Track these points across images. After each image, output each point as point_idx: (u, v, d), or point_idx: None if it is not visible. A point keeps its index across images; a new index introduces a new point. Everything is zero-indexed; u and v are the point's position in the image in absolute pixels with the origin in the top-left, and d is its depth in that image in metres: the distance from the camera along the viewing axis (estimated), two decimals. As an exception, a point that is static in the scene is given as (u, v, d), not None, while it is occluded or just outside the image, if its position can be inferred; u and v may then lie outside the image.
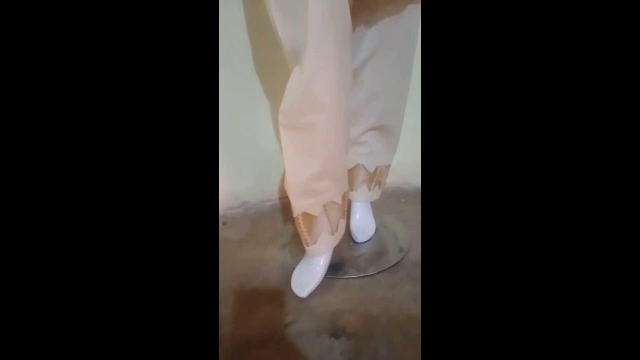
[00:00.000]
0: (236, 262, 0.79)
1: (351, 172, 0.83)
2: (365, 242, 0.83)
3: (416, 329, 0.59)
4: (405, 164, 1.02)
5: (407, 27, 0.70)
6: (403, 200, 1.02)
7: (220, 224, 0.95)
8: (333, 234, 0.69)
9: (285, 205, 1.02)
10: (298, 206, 0.66)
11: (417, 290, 0.68)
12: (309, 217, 0.66)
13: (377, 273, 0.73)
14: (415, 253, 0.79)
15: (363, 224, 0.85)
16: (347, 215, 0.81)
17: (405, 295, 0.66)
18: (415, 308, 0.63)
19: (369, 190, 0.84)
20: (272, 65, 0.91)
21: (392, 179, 1.06)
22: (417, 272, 0.72)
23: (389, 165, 0.85)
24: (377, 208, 0.90)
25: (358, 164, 0.82)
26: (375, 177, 0.83)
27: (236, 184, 1.02)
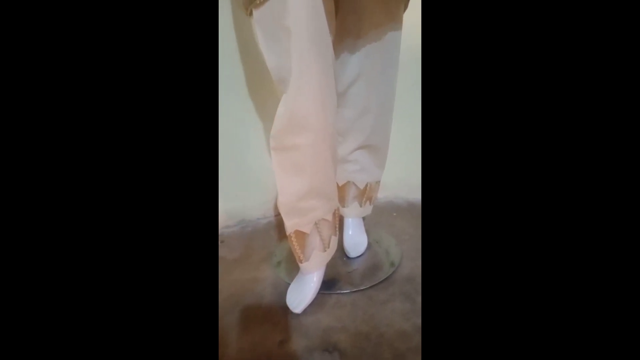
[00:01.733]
0: (230, 281, 0.80)
1: (342, 190, 0.85)
2: (358, 257, 0.85)
3: (405, 346, 0.60)
4: (397, 179, 1.05)
5: (389, 51, 0.73)
6: (395, 214, 1.03)
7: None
8: (325, 251, 0.70)
9: (280, 223, 1.04)
10: (290, 225, 0.68)
11: (407, 306, 0.69)
12: (301, 235, 0.68)
13: (369, 288, 0.74)
14: (406, 267, 0.80)
15: (355, 240, 0.87)
16: (340, 231, 0.83)
17: (394, 312, 0.67)
18: (404, 324, 0.64)
19: (360, 206, 0.86)
20: (264, 84, 0.94)
21: (384, 194, 1.08)
22: (407, 288, 0.74)
23: (379, 181, 0.88)
24: (370, 222, 0.92)
25: (348, 181, 0.84)
26: (365, 193, 0.85)
27: (232, 203, 1.04)
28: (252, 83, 0.96)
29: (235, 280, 0.80)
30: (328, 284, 0.75)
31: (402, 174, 1.04)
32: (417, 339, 0.61)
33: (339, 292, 0.74)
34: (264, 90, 0.95)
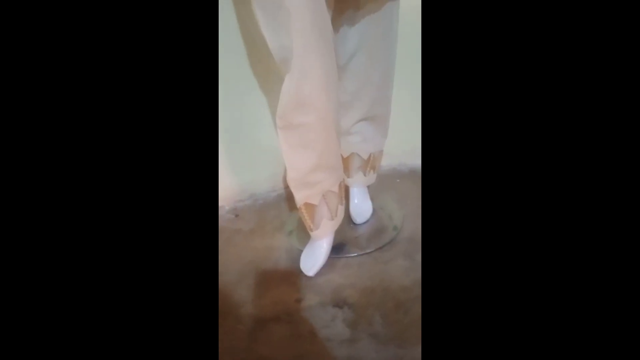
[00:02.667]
0: (249, 250, 0.88)
1: (347, 161, 0.89)
2: (364, 223, 0.92)
3: (406, 297, 0.68)
4: (400, 147, 1.09)
5: (387, 22, 0.75)
6: (398, 180, 1.09)
7: (232, 216, 1.04)
8: (333, 219, 0.77)
9: (289, 195, 1.09)
10: (299, 197, 0.74)
11: (408, 264, 0.76)
12: (310, 207, 0.74)
13: (374, 251, 0.81)
14: (408, 230, 0.87)
15: (361, 207, 0.93)
16: (346, 199, 0.89)
17: (397, 269, 0.75)
18: (405, 279, 0.72)
19: (365, 175, 0.91)
20: (266, 58, 0.96)
21: (388, 161, 1.13)
22: (409, 248, 0.81)
23: (382, 151, 0.92)
24: (375, 188, 0.97)
25: (353, 153, 0.89)
26: (369, 163, 0.90)
27: (243, 178, 1.10)
28: (255, 57, 0.98)
29: (253, 249, 0.88)
30: (337, 249, 0.82)
31: (405, 142, 1.07)
32: (417, 291, 0.69)
33: (347, 255, 0.81)
34: (267, 65, 0.98)
